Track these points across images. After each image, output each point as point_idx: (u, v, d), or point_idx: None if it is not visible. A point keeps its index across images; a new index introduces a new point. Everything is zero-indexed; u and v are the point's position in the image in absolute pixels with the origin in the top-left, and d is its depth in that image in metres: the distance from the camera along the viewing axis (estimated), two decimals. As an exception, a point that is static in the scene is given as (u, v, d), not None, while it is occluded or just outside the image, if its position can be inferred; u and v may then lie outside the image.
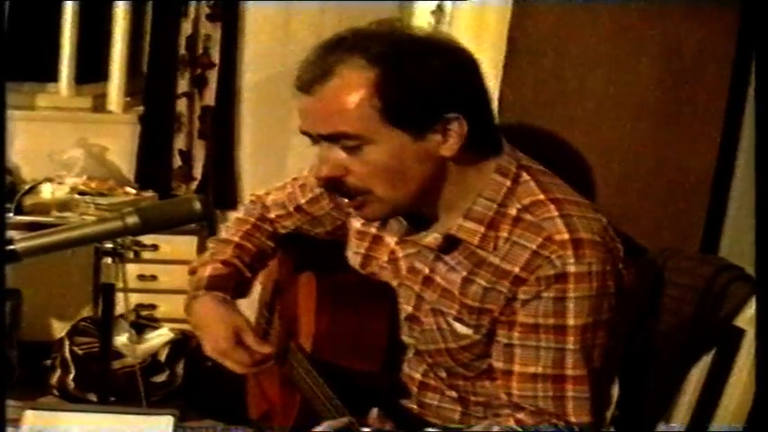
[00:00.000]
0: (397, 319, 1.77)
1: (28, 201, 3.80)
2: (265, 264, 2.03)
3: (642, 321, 1.85)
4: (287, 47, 4.11)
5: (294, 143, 4.18)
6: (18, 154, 3.96)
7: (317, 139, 1.62)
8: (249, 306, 2.06)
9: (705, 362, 1.83)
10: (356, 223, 1.86)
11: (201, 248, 3.75)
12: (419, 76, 1.55)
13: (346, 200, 1.68)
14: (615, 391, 1.77)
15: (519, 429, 1.56)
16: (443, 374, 1.75)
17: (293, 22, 4.10)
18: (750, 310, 1.77)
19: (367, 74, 1.54)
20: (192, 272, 1.97)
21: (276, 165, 4.12)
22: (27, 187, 3.85)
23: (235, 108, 4.18)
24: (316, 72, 1.57)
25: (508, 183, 1.64)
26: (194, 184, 4.16)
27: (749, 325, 1.76)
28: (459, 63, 1.61)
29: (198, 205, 1.55)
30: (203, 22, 4.02)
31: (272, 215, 2.02)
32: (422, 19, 3.02)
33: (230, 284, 1.92)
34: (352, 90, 1.55)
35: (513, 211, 1.61)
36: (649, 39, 2.23)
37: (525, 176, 1.65)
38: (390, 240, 1.78)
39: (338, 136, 1.57)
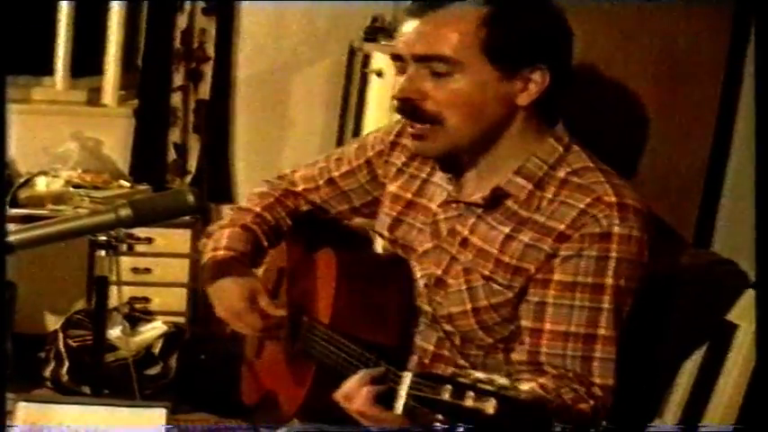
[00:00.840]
0: (413, 293, 1.80)
1: (23, 194, 3.80)
2: (279, 241, 2.02)
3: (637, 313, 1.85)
4: (282, 41, 4.12)
5: (289, 137, 4.19)
6: (13, 147, 3.95)
7: (407, 63, 1.67)
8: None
9: (697, 356, 1.84)
10: (392, 187, 1.89)
11: (196, 241, 3.76)
12: (526, 22, 1.65)
13: (410, 127, 1.72)
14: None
15: (541, 393, 1.55)
16: (458, 342, 1.76)
17: (288, 17, 4.10)
18: (743, 304, 1.78)
19: (479, 9, 1.63)
20: (209, 235, 1.97)
21: (271, 158, 4.12)
22: (22, 180, 3.86)
23: (230, 102, 4.17)
24: (432, 0, 1.66)
25: (561, 149, 1.71)
26: (189, 178, 4.15)
27: (742, 320, 1.77)
28: (563, 24, 1.69)
29: (191, 198, 1.56)
30: (198, 15, 4.01)
31: (299, 188, 2.02)
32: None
33: (249, 248, 1.92)
34: (462, 19, 1.63)
35: (561, 174, 1.68)
36: (643, 36, 2.23)
37: (576, 147, 1.72)
38: (431, 204, 1.81)
39: (434, 58, 1.64)
